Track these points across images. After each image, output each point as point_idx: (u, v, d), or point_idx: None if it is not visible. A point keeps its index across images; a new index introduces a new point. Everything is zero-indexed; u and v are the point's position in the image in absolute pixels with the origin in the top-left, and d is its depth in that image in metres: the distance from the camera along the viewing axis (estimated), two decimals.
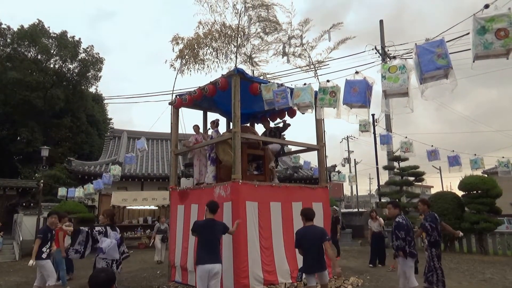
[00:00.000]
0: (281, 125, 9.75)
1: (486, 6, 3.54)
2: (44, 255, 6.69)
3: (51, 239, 6.95)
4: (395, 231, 5.81)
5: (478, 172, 13.91)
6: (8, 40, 27.55)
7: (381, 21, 19.61)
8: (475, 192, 14.16)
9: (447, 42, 4.21)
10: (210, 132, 9.23)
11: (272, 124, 10.02)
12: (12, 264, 13.85)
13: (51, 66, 29.31)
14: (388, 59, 16.50)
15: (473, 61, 3.61)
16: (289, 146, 13.25)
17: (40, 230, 6.95)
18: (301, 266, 5.55)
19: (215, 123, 9.01)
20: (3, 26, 27.35)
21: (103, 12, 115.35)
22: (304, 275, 5.52)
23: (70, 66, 29.55)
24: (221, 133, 8.95)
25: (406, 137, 11.93)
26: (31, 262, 6.71)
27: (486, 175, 16.91)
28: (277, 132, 9.41)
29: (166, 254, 12.25)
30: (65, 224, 7.81)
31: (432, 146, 11.68)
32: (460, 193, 14.94)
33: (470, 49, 3.77)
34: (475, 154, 11.42)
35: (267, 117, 9.95)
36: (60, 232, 7.85)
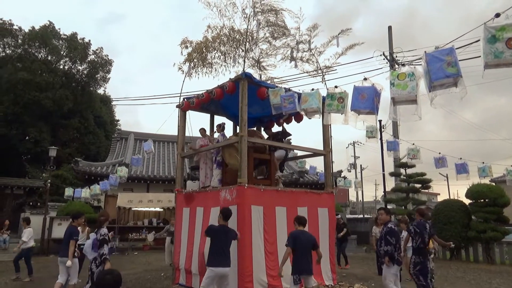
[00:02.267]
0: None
1: (497, 15, 3.53)
2: (75, 254, 7.06)
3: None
4: (386, 237, 5.88)
5: (486, 181, 13.76)
6: (19, 41, 27.94)
7: (389, 27, 19.57)
8: (482, 200, 14.02)
9: (456, 49, 4.20)
10: (216, 135, 9.25)
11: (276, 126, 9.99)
12: None
13: (61, 67, 29.67)
14: (397, 66, 16.46)
15: (484, 70, 3.59)
16: (295, 151, 13.21)
17: (74, 232, 7.16)
18: (293, 269, 5.69)
19: (221, 127, 9.03)
20: (14, 27, 27.78)
21: (113, 15, 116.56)
22: (299, 276, 5.65)
23: (79, 67, 29.90)
24: (228, 137, 8.97)
25: (413, 144, 11.87)
26: (69, 262, 6.95)
27: (494, 184, 16.75)
28: (278, 139, 9.24)
29: (169, 257, 12.23)
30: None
31: (439, 153, 11.60)
32: (467, 201, 14.81)
33: (479, 56, 3.75)
34: (483, 162, 11.32)
35: (273, 122, 9.94)
36: None
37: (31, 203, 19.68)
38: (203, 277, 5.90)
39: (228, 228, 6.02)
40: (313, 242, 5.72)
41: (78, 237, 7.17)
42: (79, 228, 7.61)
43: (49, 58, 28.86)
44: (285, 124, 9.64)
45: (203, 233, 7.72)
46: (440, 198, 42.96)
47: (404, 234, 8.96)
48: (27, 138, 27.48)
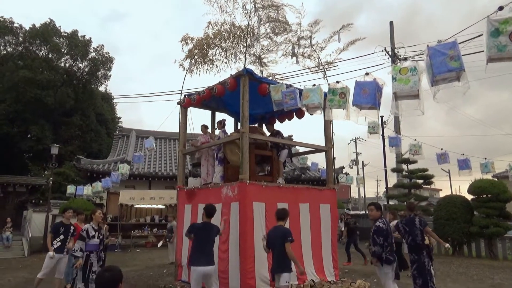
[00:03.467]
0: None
1: (501, 8, 3.48)
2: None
3: (64, 234, 7.21)
4: (374, 236, 5.60)
5: (488, 176, 13.72)
6: (20, 39, 27.90)
7: (391, 23, 19.46)
8: (484, 196, 13.99)
9: (459, 44, 4.15)
10: (217, 132, 9.25)
11: (278, 123, 9.95)
12: (21, 260, 14.02)
13: (62, 64, 29.62)
14: (398, 61, 16.39)
15: (486, 64, 3.55)
16: (297, 147, 13.19)
17: (52, 226, 7.49)
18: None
19: (222, 123, 9.02)
20: (15, 25, 27.73)
21: (114, 13, 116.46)
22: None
23: (80, 65, 29.85)
24: (229, 133, 8.95)
25: (415, 140, 11.84)
26: (49, 253, 7.07)
27: (496, 179, 16.70)
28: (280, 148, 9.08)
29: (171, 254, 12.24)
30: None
31: (441, 149, 11.57)
32: (469, 197, 14.78)
33: (481, 51, 3.71)
34: (485, 158, 11.30)
35: (275, 118, 9.91)
36: None
37: (33, 201, 19.75)
38: (190, 280, 5.75)
39: (211, 225, 5.87)
40: (281, 238, 5.29)
41: (56, 231, 7.20)
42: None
43: (50, 56, 28.82)
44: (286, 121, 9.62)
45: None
46: (442, 194, 42.91)
47: None
48: (29, 136, 27.50)
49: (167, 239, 12.42)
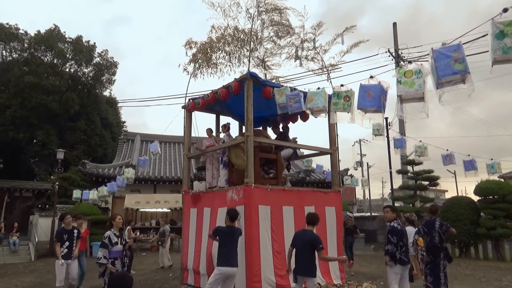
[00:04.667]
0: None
1: (505, 10, 3.48)
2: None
3: (68, 240, 7.13)
4: (388, 236, 5.78)
5: (495, 177, 13.63)
6: (26, 45, 28.16)
7: (394, 24, 19.44)
8: (491, 197, 13.90)
9: (463, 44, 4.14)
10: (222, 135, 9.27)
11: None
12: (27, 265, 14.09)
13: (67, 70, 29.85)
14: (402, 62, 16.36)
15: (492, 66, 3.54)
16: (302, 150, 13.19)
17: (56, 233, 7.35)
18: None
19: (227, 127, 9.05)
20: (20, 31, 28.00)
21: (118, 17, 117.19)
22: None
23: (85, 70, 30.06)
24: (233, 137, 8.97)
25: (420, 141, 11.79)
26: (59, 262, 6.99)
27: (502, 180, 16.59)
28: (283, 137, 9.20)
29: (161, 259, 12.21)
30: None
31: (447, 150, 11.50)
32: (475, 198, 14.68)
33: (486, 51, 3.71)
34: (491, 159, 11.22)
35: (278, 122, 9.92)
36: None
37: (39, 206, 19.85)
38: (211, 276, 5.94)
39: (235, 229, 6.07)
40: (310, 243, 5.35)
41: (59, 238, 7.12)
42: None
43: (55, 61, 29.04)
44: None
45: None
46: (448, 195, 42.65)
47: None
48: (34, 141, 27.69)
49: (160, 243, 12.45)
